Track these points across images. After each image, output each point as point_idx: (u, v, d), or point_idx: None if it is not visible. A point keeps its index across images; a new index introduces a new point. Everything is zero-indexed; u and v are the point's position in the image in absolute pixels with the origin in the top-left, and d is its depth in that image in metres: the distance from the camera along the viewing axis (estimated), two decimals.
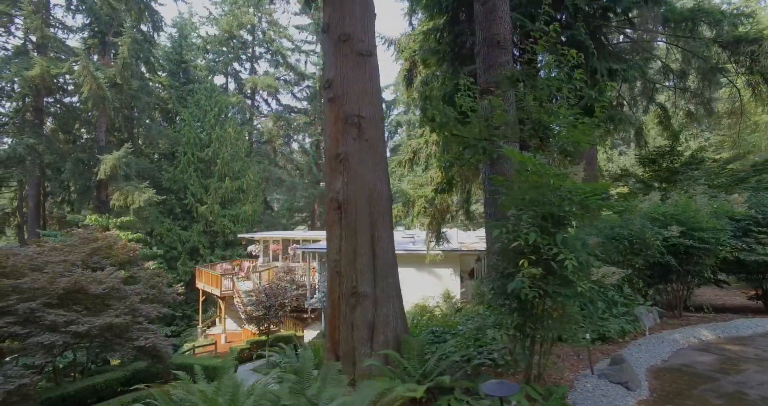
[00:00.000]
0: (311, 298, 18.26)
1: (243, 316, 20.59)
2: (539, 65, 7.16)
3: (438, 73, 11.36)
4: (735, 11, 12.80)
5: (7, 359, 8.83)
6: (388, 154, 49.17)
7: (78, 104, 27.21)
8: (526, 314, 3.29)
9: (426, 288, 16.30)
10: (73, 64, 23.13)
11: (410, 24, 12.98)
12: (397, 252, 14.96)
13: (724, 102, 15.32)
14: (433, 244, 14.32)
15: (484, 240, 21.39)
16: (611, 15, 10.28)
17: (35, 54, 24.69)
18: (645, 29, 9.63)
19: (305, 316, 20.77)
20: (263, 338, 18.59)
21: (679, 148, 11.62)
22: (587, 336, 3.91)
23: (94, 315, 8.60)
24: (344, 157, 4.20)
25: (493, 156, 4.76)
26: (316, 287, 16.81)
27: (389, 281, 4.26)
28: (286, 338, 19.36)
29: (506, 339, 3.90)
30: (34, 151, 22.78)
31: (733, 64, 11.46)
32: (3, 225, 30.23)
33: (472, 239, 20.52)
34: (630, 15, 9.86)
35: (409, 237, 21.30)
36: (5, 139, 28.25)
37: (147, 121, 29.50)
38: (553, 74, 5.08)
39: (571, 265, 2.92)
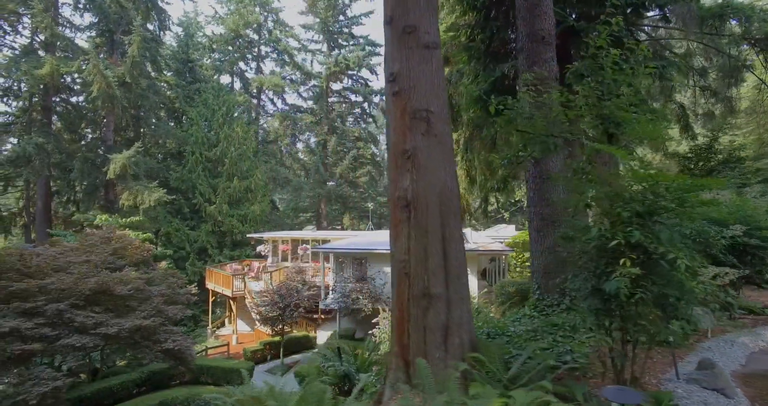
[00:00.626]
0: (326, 298, 18.09)
1: (256, 317, 20.40)
2: (575, 63, 7.01)
3: (464, 71, 11.26)
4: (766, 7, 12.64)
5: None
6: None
7: (84, 104, 27.06)
8: (623, 316, 3.14)
9: None
10: (83, 63, 22.94)
11: None
12: None
13: (745, 100, 15.20)
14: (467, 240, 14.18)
15: (497, 240, 21.24)
16: (644, 11, 10.15)
17: (43, 53, 24.52)
18: (680, 26, 9.50)
19: (315, 316, 20.60)
20: (277, 339, 18.41)
21: (717, 147, 11.50)
22: (670, 338, 3.76)
23: (119, 317, 8.44)
24: (412, 154, 4.04)
25: (564, 151, 4.61)
26: (331, 287, 16.65)
27: (462, 282, 4.10)
28: (300, 339, 19.21)
29: (592, 342, 3.75)
30: (43, 151, 22.59)
31: (762, 61, 11.35)
32: (9, 225, 30.01)
33: (484, 239, 20.40)
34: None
35: None
36: (11, 139, 28.10)
37: (154, 120, 29.32)
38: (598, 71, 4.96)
39: (684, 264, 2.78)
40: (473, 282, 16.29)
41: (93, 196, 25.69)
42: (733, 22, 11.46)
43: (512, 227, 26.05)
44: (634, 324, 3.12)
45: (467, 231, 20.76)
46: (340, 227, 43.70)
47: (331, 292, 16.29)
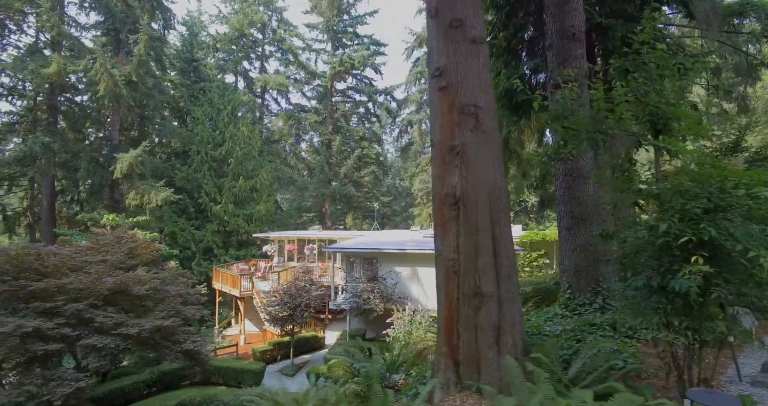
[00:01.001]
0: (336, 298, 17.99)
1: (265, 317, 20.29)
2: (610, 60, 6.89)
3: None
4: None
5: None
6: (398, 153, 48.83)
7: (89, 103, 26.93)
8: (691, 315, 3.05)
9: None
10: (90, 62, 22.81)
11: None
12: (425, 252, 14.63)
13: (758, 99, 15.16)
14: None
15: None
16: (661, 7, 10.08)
17: (49, 52, 24.40)
18: (702, 22, 9.43)
19: (323, 316, 20.50)
20: (286, 339, 18.30)
21: (744, 144, 11.44)
22: (731, 338, 3.68)
23: (138, 317, 8.32)
24: (461, 150, 3.95)
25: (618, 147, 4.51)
26: (342, 287, 16.54)
27: (512, 281, 4.00)
28: (309, 339, 19.11)
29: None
30: (49, 150, 22.46)
31: None
32: (14, 225, 29.87)
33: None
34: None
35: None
36: (15, 139, 27.97)
37: (159, 119, 29.21)
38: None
39: (767, 262, 2.68)
40: None
41: (98, 196, 25.58)
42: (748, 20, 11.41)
43: (518, 227, 25.98)
44: (700, 324, 3.02)
45: None
46: (342, 227, 43.61)
47: (342, 292, 16.19)
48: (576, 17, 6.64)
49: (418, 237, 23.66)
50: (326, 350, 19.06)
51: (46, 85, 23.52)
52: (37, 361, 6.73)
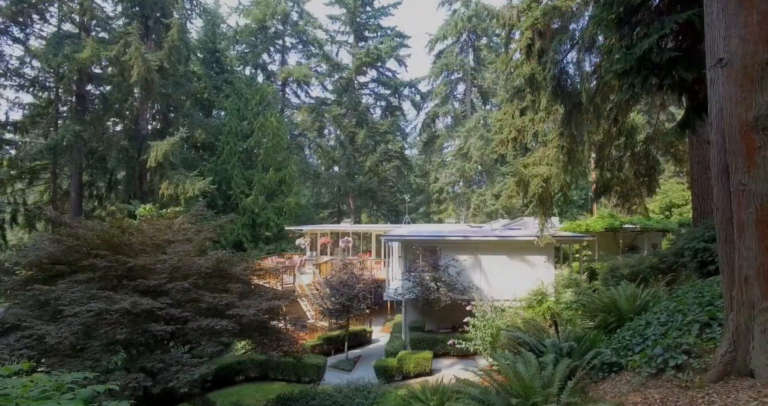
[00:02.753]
0: (389, 289, 17.17)
1: (310, 313, 19.48)
2: None
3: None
4: None
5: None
6: (415, 149, 47.90)
7: (114, 93, 26.08)
8: None
9: (516, 276, 15.28)
10: (122, 47, 21.95)
11: None
12: (488, 238, 13.82)
13: None
14: (546, 228, 13.31)
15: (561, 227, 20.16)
16: None
17: (77, 40, 23.57)
18: None
19: (368, 310, 19.66)
20: (335, 333, 17.49)
21: None
22: None
23: (243, 298, 7.47)
24: None
25: None
26: (401, 277, 15.70)
27: None
28: (357, 333, 18.26)
29: None
30: (80, 138, 21.64)
31: None
32: (34, 219, 29.03)
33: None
34: None
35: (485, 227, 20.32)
36: (35, 131, 27.14)
37: (187, 109, 28.36)
38: None
39: None
40: (548, 271, 15.41)
41: (128, 187, 24.74)
42: None
43: (554, 219, 25.13)
44: None
45: (528, 219, 19.84)
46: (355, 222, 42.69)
47: (401, 281, 15.36)
48: None
49: (463, 228, 22.87)
50: (380, 343, 18.27)
51: (75, 75, 22.65)
52: (154, 343, 5.92)
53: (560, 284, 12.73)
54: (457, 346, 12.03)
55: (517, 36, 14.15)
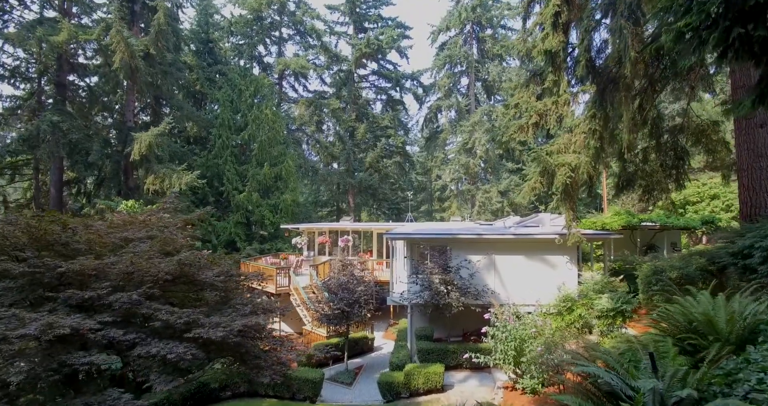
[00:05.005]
0: (393, 293, 15.55)
1: (306, 318, 17.85)
2: None
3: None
4: None
5: None
6: (416, 146, 46.25)
7: (101, 84, 24.42)
8: None
9: (536, 279, 13.69)
10: (104, 32, 20.25)
11: None
12: (503, 236, 12.19)
13: None
14: (572, 225, 11.68)
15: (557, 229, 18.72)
16: None
17: (55, 24, 21.91)
18: None
19: (369, 315, 18.04)
20: (333, 341, 15.90)
21: None
22: None
23: (209, 314, 5.83)
24: None
25: None
26: (407, 279, 14.05)
27: None
28: (358, 340, 16.66)
29: None
30: (57, 129, 19.97)
31: None
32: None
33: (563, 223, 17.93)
34: None
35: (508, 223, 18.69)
36: (17, 125, 25.48)
37: (176, 100, 26.68)
38: None
39: None
40: (572, 273, 13.81)
41: (112, 182, 23.09)
42: None
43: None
44: None
45: (544, 215, 18.24)
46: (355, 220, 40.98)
47: (408, 284, 13.72)
48: None
49: (472, 225, 21.23)
50: (383, 351, 16.64)
51: (53, 63, 20.98)
52: (74, 383, 4.31)
53: (590, 289, 11.09)
54: (474, 360, 10.40)
55: (537, 9, 12.63)
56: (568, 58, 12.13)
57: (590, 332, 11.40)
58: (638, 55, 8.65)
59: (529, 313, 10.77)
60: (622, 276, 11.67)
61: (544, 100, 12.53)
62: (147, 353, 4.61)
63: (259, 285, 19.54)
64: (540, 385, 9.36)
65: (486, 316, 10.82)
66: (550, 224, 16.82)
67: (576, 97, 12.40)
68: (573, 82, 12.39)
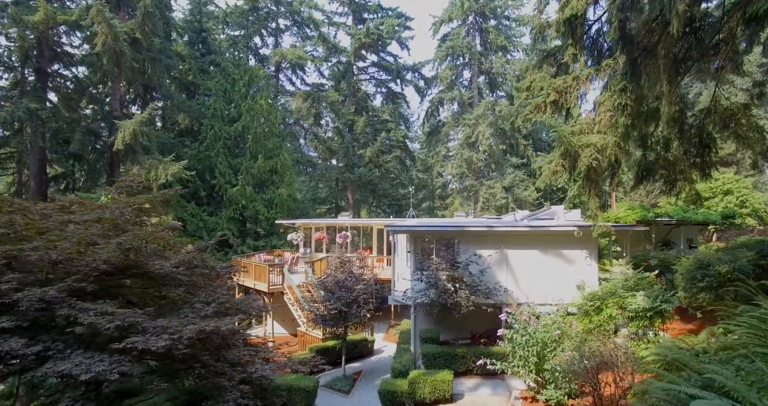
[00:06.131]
0: (396, 291, 14.23)
1: (300, 317, 16.55)
2: None
3: None
4: None
5: None
6: (419, 143, 45.09)
7: (88, 73, 23.13)
8: None
9: (551, 275, 12.41)
10: (84, 12, 18.91)
11: None
12: (517, 229, 10.90)
13: None
14: (597, 214, 10.36)
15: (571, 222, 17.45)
16: None
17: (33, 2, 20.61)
18: None
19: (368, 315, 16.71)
20: (330, 343, 14.59)
21: None
22: None
23: (162, 315, 4.50)
24: None
25: None
26: (410, 277, 12.74)
27: None
28: (357, 343, 15.34)
29: None
30: (36, 117, 18.66)
31: None
32: None
33: (578, 217, 16.68)
34: None
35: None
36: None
37: (166, 89, 25.35)
38: None
39: None
40: (591, 269, 12.52)
41: (96, 175, 21.77)
42: None
43: (577, 211, 22.10)
44: None
45: (557, 208, 16.99)
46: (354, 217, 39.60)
47: (411, 282, 12.42)
48: None
49: (480, 220, 19.94)
50: (383, 355, 15.33)
51: (35, 48, 19.67)
52: None
53: (620, 285, 9.75)
54: (488, 366, 9.09)
55: None
56: (585, 36, 10.92)
57: (615, 336, 10.11)
58: (688, 8, 7.35)
59: (549, 313, 9.48)
60: (657, 271, 10.31)
61: (563, 77, 11.23)
62: (60, 371, 3.28)
63: (255, 282, 18.26)
64: (566, 396, 8.08)
65: (501, 316, 9.52)
66: (564, 217, 15.59)
67: (600, 72, 11.10)
68: (589, 62, 11.18)
